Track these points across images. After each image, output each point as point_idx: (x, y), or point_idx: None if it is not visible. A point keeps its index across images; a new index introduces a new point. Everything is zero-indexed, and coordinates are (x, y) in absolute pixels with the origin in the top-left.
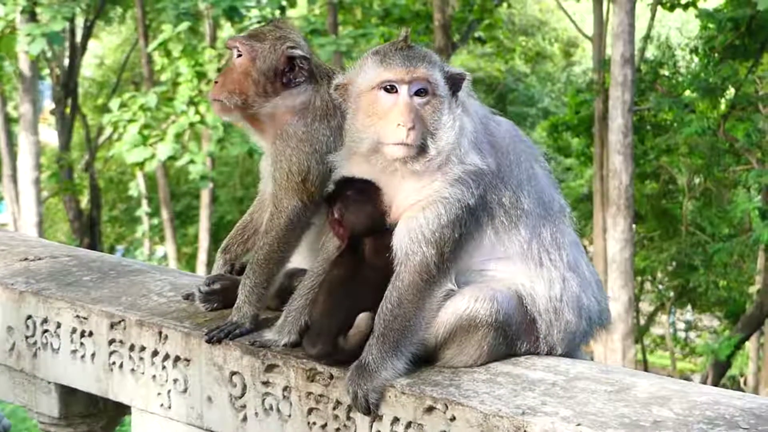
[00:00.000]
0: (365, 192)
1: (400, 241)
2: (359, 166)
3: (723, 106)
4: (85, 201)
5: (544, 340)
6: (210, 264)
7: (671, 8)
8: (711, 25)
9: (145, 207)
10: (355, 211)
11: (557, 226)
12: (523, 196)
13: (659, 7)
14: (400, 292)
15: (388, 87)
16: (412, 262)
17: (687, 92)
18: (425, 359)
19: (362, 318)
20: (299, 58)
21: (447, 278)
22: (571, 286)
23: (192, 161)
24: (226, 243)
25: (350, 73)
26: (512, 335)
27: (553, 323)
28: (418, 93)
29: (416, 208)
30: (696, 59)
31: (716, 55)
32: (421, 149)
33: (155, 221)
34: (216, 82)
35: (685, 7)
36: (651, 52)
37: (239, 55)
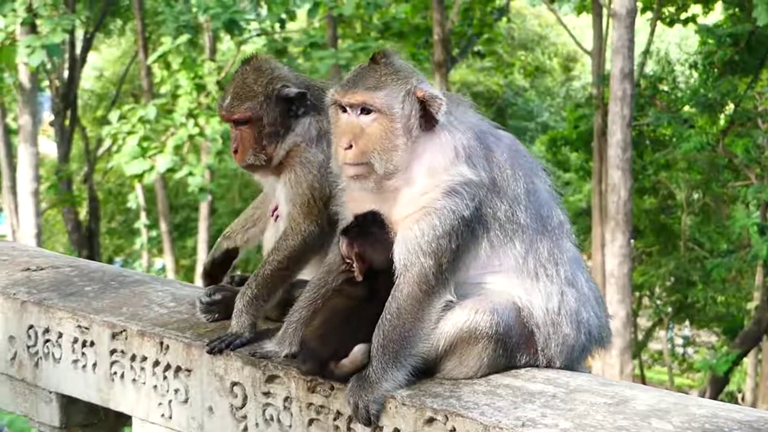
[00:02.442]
0: (387, 228)
1: (398, 252)
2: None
3: (722, 122)
4: (83, 213)
5: (542, 352)
6: None
7: (671, 24)
8: (710, 41)
9: (143, 219)
10: (379, 249)
11: (555, 241)
12: (520, 211)
13: (659, 23)
14: (399, 303)
15: (341, 106)
16: (411, 273)
17: (686, 107)
18: (427, 371)
19: (359, 349)
20: (297, 95)
21: (446, 289)
22: (569, 301)
23: (191, 173)
24: (229, 230)
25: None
26: (512, 347)
27: (551, 336)
28: (363, 111)
29: (411, 220)
30: (695, 74)
31: (715, 70)
32: (370, 167)
33: (154, 233)
34: (235, 152)
35: (685, 22)
36: (650, 68)
37: (243, 123)
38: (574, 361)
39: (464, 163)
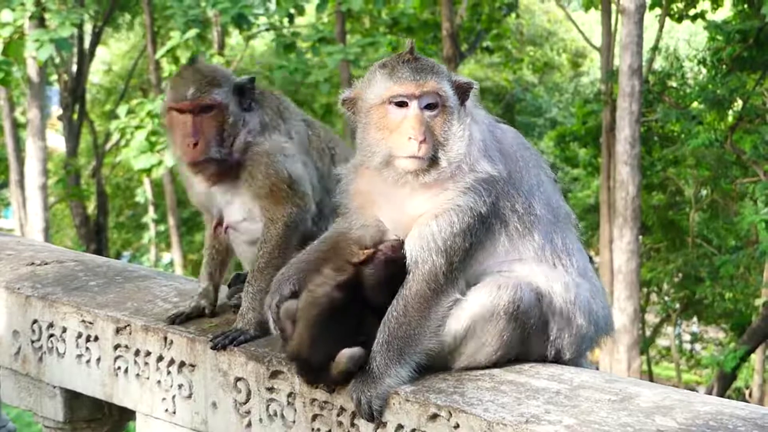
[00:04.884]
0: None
1: (411, 248)
2: (369, 178)
3: (730, 118)
4: (91, 207)
5: (552, 343)
6: None
7: (679, 20)
8: (719, 37)
9: (151, 213)
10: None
11: (566, 232)
12: (535, 202)
13: (667, 19)
14: (407, 300)
15: (399, 101)
16: (421, 271)
17: (695, 104)
18: (430, 367)
19: (343, 355)
20: (249, 82)
21: (454, 288)
22: (583, 292)
23: None
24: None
25: (357, 86)
26: (528, 331)
27: (565, 327)
28: (428, 106)
29: (429, 216)
30: (704, 71)
31: (724, 66)
32: (433, 161)
33: (162, 228)
34: (195, 145)
35: (694, 18)
36: (659, 64)
37: (208, 110)
38: (581, 353)
39: (484, 156)
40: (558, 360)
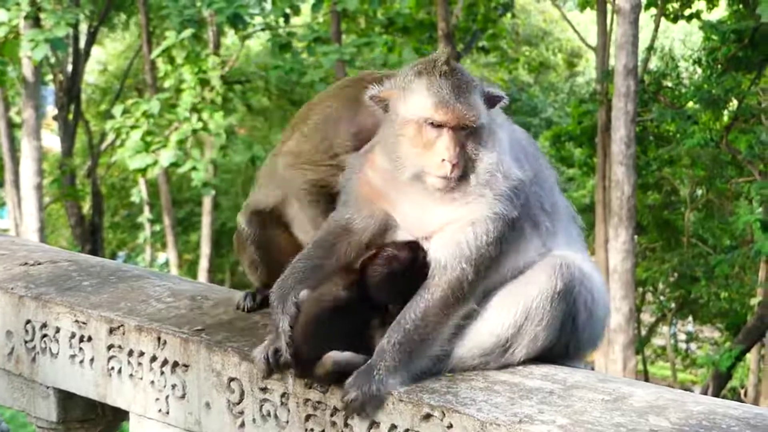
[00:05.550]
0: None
1: (440, 253)
2: (383, 172)
3: (726, 118)
4: (87, 207)
5: (574, 337)
6: (211, 271)
7: (675, 20)
8: (714, 37)
9: (147, 213)
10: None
11: (578, 227)
12: (557, 197)
13: (663, 19)
14: (428, 305)
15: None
16: (448, 278)
17: (690, 103)
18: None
19: (329, 357)
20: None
21: (474, 298)
22: (601, 284)
23: (194, 168)
24: None
25: (389, 86)
26: (572, 314)
27: (588, 321)
28: (463, 127)
29: (465, 223)
30: (699, 71)
31: (719, 66)
32: (462, 176)
33: (157, 228)
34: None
35: (689, 18)
36: (654, 63)
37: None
38: (585, 353)
39: (514, 162)
40: (567, 355)
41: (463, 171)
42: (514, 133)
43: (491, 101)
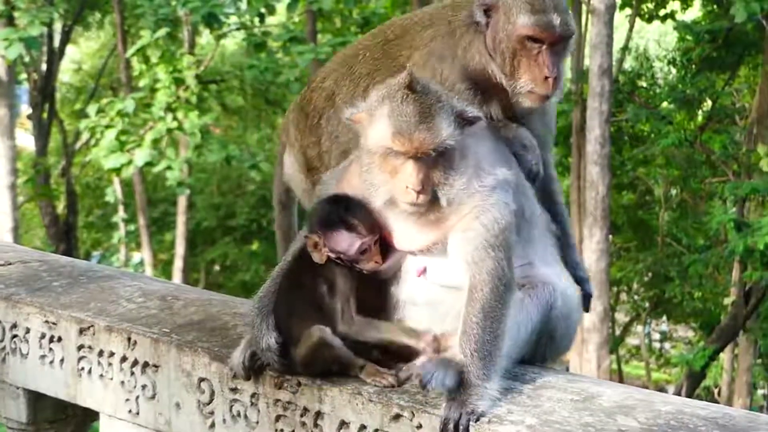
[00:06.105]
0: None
1: (463, 253)
2: (360, 185)
3: (700, 118)
4: (61, 206)
5: (549, 346)
6: (186, 271)
7: (649, 20)
8: (689, 37)
9: (121, 213)
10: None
11: (553, 238)
12: (535, 206)
13: (638, 19)
14: (482, 303)
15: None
16: (486, 269)
17: (664, 104)
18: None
19: (315, 329)
20: None
21: (515, 283)
22: (576, 295)
23: (169, 167)
24: None
25: (362, 110)
26: (545, 335)
27: (565, 331)
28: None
29: (469, 219)
30: (674, 71)
31: (693, 66)
32: (435, 198)
33: (132, 227)
34: None
35: (663, 18)
36: (629, 64)
37: None
38: (562, 354)
39: (498, 161)
40: (543, 361)
41: (435, 196)
42: (497, 144)
43: (465, 121)
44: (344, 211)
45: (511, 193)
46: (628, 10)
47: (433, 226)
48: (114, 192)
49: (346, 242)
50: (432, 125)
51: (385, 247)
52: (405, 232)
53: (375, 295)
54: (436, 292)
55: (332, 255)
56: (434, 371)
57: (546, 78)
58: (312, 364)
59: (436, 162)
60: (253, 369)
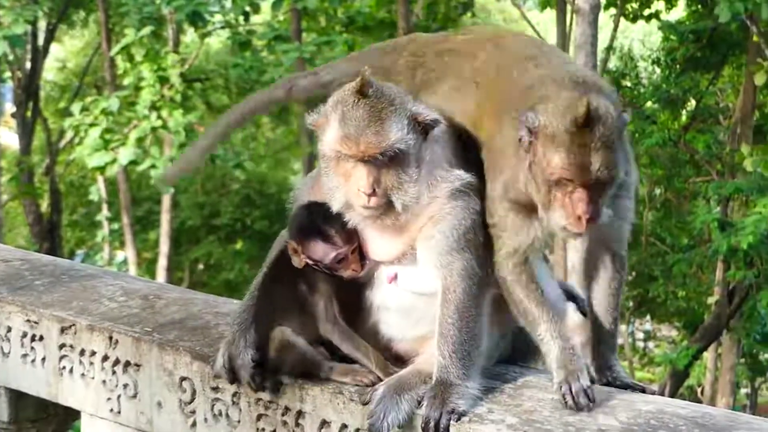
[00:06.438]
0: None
1: (430, 260)
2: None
3: (684, 118)
4: (45, 205)
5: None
6: (170, 269)
7: (634, 20)
8: (673, 37)
9: (105, 211)
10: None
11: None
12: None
13: (622, 19)
14: (456, 304)
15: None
16: (456, 271)
17: (649, 103)
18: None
19: (277, 331)
20: None
21: (491, 281)
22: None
23: (153, 166)
24: None
25: (321, 113)
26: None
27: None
28: (377, 157)
29: (428, 227)
30: (658, 70)
31: (678, 66)
32: (390, 204)
33: (116, 226)
34: None
35: (648, 18)
36: (613, 63)
37: None
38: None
39: (457, 165)
40: (524, 360)
41: (389, 201)
42: (458, 147)
43: (422, 126)
44: (321, 220)
45: (472, 194)
46: (612, 10)
47: (399, 236)
48: (98, 190)
49: (322, 252)
50: (380, 129)
51: (364, 254)
52: (375, 242)
53: (356, 296)
54: (407, 299)
55: (310, 262)
56: (383, 414)
57: (579, 218)
58: (280, 367)
59: (388, 166)
60: (234, 371)
